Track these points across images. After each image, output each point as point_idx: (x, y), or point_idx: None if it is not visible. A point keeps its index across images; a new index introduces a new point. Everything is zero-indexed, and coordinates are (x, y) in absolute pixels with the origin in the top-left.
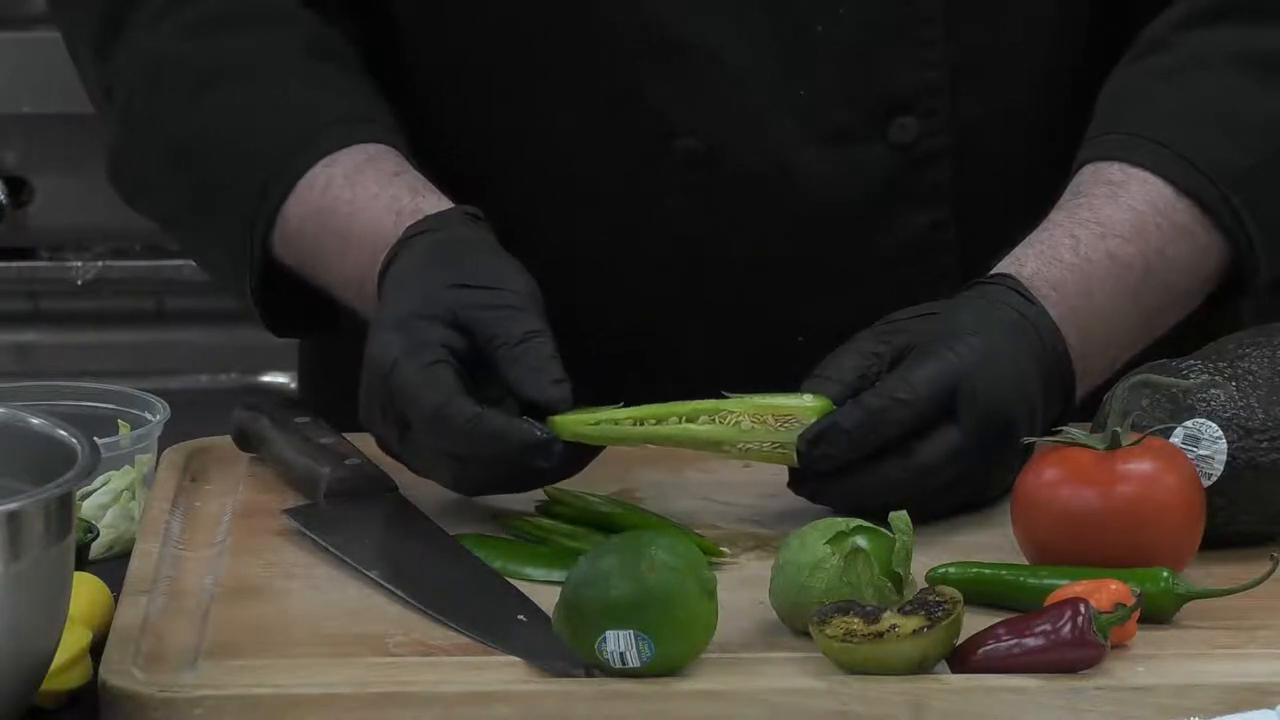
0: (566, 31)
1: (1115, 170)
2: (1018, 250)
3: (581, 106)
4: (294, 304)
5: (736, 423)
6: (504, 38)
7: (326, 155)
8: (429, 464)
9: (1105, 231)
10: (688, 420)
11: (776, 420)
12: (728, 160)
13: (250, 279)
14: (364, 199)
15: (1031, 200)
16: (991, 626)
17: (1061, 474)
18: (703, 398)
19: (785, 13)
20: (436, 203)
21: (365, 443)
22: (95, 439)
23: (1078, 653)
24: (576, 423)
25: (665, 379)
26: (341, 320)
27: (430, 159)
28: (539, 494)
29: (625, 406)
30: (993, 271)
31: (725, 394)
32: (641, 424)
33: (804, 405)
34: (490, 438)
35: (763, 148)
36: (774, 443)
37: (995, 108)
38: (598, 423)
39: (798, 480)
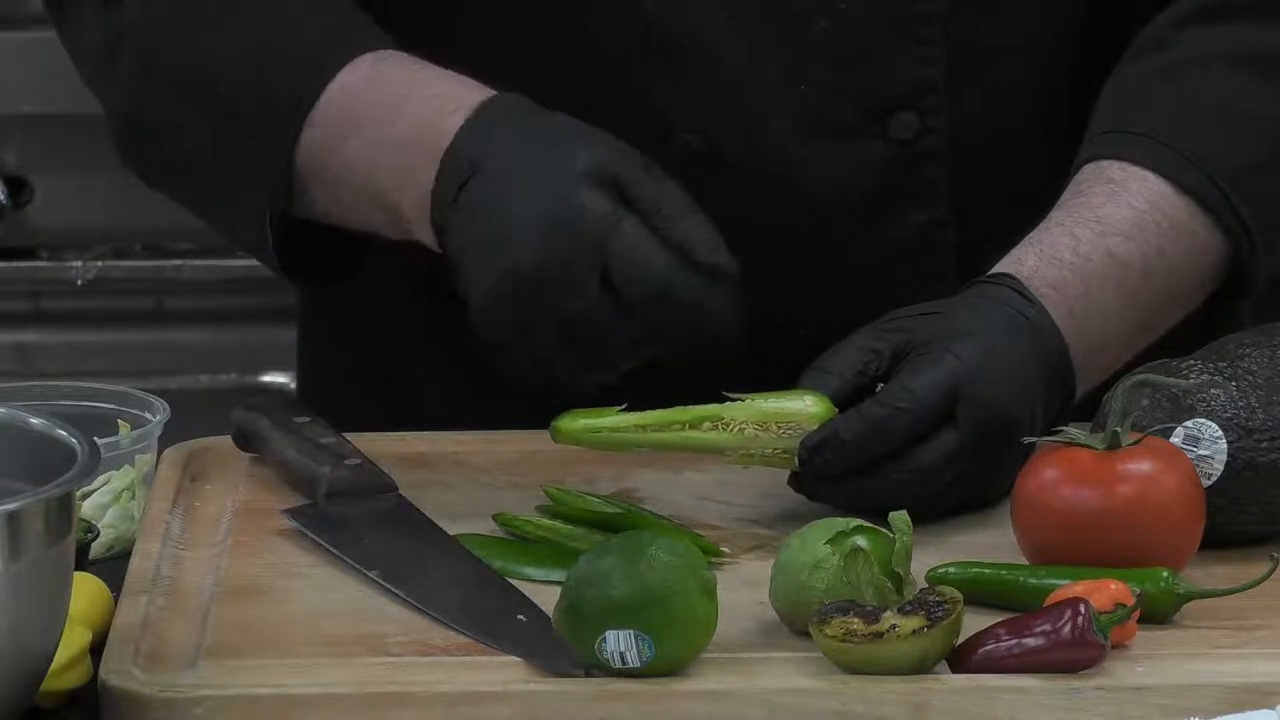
0: (567, 31)
1: (1115, 169)
2: (1017, 249)
3: (581, 105)
4: (314, 247)
5: (740, 430)
6: (504, 36)
7: (364, 52)
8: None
9: (1105, 230)
10: (691, 427)
11: (779, 427)
12: (727, 157)
13: (274, 195)
14: (425, 69)
15: (1031, 199)
16: (991, 626)
17: (1061, 474)
18: (703, 394)
19: (784, 10)
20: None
21: (365, 443)
22: (95, 439)
23: (1078, 653)
24: (580, 429)
25: (665, 376)
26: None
27: None
28: (539, 494)
29: (627, 407)
30: (992, 270)
31: (727, 394)
32: (644, 430)
33: (806, 411)
34: (716, 304)
35: (762, 145)
36: (776, 448)
37: (994, 106)
38: (600, 430)
39: (798, 481)
